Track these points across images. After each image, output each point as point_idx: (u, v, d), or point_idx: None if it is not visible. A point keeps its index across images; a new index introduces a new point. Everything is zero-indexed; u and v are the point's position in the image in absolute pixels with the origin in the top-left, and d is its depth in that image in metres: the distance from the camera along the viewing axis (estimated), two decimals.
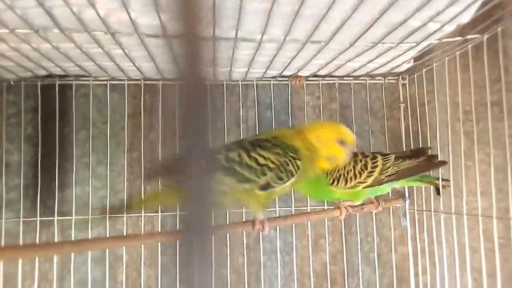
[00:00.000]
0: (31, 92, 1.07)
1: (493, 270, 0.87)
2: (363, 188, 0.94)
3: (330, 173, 0.92)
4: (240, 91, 1.13)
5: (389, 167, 0.94)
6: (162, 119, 1.11)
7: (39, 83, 1.06)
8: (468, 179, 0.97)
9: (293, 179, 0.76)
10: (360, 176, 0.93)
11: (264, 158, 0.73)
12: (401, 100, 1.17)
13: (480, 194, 0.91)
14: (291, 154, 0.76)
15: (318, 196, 1.06)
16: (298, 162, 0.76)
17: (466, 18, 0.80)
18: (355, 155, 0.94)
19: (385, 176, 0.94)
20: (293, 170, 0.75)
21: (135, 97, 1.12)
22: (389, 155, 0.97)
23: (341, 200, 0.99)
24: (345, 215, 0.98)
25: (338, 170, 0.92)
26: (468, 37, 0.86)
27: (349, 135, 0.82)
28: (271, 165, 0.73)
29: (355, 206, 0.99)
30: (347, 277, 1.11)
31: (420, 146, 1.10)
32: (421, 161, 0.97)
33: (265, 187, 0.74)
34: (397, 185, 1.03)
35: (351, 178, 0.92)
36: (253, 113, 1.13)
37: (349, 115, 1.16)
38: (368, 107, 1.17)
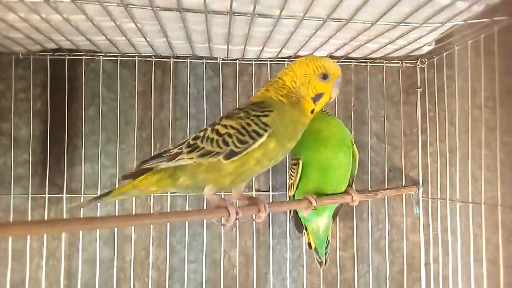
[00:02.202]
0: (40, 66, 1.05)
1: (510, 261, 0.86)
2: None
3: None
4: (254, 71, 1.10)
5: None
6: (173, 98, 1.08)
7: (48, 57, 1.03)
8: (486, 168, 0.94)
9: (262, 138, 0.65)
10: None
11: (225, 126, 0.68)
12: (419, 84, 1.13)
13: (499, 184, 0.89)
14: (254, 113, 0.67)
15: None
16: (265, 118, 0.66)
17: None
18: None
19: None
20: (258, 129, 0.65)
21: (145, 74, 1.09)
22: None
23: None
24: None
25: None
26: (496, 18, 0.82)
27: (332, 67, 0.70)
28: (231, 131, 0.67)
29: None
30: (357, 263, 1.10)
31: (437, 132, 1.07)
32: None
33: (230, 155, 0.66)
34: None
35: None
36: None
37: (365, 99, 1.13)
38: (384, 91, 1.13)
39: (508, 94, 0.89)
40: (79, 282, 1.02)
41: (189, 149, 0.69)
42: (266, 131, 0.66)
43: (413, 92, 1.15)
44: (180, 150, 0.70)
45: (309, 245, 0.97)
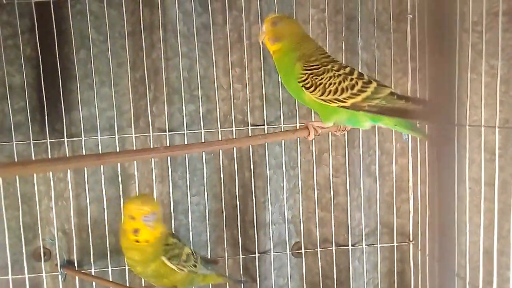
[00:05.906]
0: (25, 11, 1.03)
1: (490, 179, 0.92)
2: (338, 107, 0.81)
3: (310, 75, 0.80)
4: (243, 5, 1.09)
5: (377, 98, 0.80)
6: (163, 37, 1.08)
7: (33, 1, 1.01)
8: (472, 92, 0.98)
9: None
10: (341, 93, 0.79)
11: None
12: (409, 11, 1.13)
13: (483, 106, 0.93)
14: None
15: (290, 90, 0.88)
16: None
17: None
18: (351, 72, 0.82)
19: (368, 105, 0.80)
20: None
21: (133, 13, 1.08)
22: (386, 87, 0.83)
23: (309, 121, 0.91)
24: (314, 136, 0.85)
25: (322, 76, 0.80)
26: None
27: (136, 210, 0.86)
28: None
29: (325, 128, 0.87)
30: (349, 188, 1.17)
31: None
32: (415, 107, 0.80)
33: None
34: (381, 124, 0.87)
35: (330, 91, 0.79)
36: (257, 28, 1.10)
37: (355, 28, 1.13)
38: (375, 19, 1.13)
39: (493, 16, 0.91)
40: (89, 220, 1.08)
41: None
42: None
43: (403, 19, 1.15)
44: None
45: None
